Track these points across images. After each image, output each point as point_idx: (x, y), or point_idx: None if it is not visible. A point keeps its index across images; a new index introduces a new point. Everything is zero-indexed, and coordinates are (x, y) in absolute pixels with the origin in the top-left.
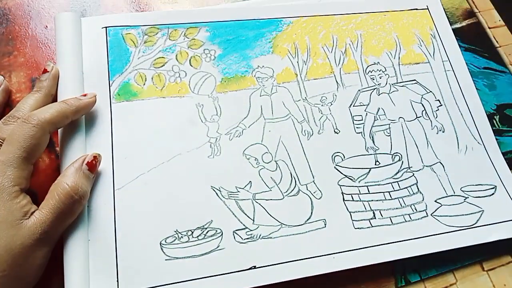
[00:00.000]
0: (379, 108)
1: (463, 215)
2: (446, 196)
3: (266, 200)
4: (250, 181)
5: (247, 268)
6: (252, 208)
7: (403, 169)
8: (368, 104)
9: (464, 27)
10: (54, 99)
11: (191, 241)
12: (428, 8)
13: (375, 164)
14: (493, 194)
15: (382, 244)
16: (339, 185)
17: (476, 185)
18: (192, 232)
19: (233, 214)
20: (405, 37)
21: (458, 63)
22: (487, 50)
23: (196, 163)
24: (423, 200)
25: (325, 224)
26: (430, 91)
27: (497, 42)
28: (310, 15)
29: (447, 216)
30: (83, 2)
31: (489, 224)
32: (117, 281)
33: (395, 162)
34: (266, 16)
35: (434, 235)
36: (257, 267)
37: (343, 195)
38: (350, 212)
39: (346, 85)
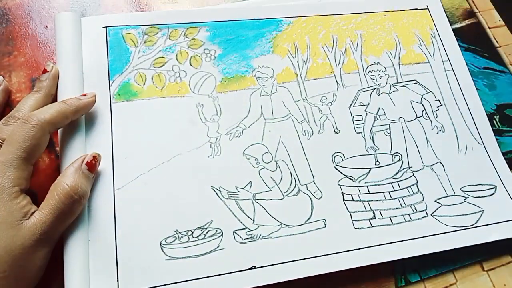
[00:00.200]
0: (379, 108)
1: (463, 215)
2: (446, 196)
3: (266, 200)
4: (250, 181)
5: (247, 268)
6: (252, 208)
7: (403, 169)
8: (368, 104)
9: (464, 27)
10: (54, 99)
11: (191, 241)
12: (428, 8)
13: (375, 164)
14: (493, 194)
15: (382, 244)
16: (339, 185)
17: (476, 185)
18: (192, 232)
19: (233, 214)
20: (405, 37)
21: (458, 63)
22: (487, 50)
23: (196, 163)
24: (423, 200)
25: (325, 224)
26: (430, 91)
27: (497, 42)
28: (310, 15)
29: (447, 216)
30: (83, 2)
31: (489, 224)
32: (117, 281)
33: (395, 162)
34: (266, 16)
35: (434, 235)
36: (257, 267)
37: (343, 195)
38: (350, 212)
39: (346, 85)
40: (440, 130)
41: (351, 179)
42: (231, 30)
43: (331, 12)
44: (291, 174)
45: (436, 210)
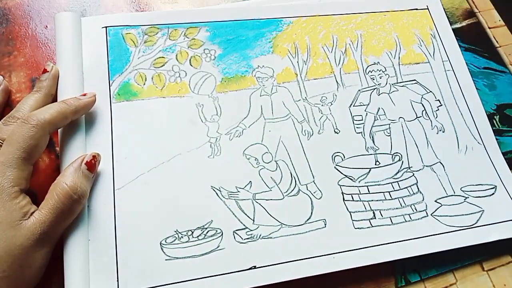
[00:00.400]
0: (379, 108)
1: (463, 215)
2: (446, 196)
3: (266, 200)
4: (250, 181)
5: (247, 268)
6: (252, 208)
7: (403, 169)
8: (368, 104)
9: (464, 27)
10: (54, 99)
11: (191, 241)
12: (428, 8)
13: (375, 164)
14: (493, 194)
15: (382, 244)
16: (339, 185)
17: (476, 185)
18: (192, 232)
19: (233, 214)
20: (405, 37)
21: (458, 63)
22: (487, 50)
23: (196, 163)
24: (423, 200)
25: (325, 224)
26: (430, 91)
27: (497, 42)
28: (310, 15)
29: (447, 216)
30: (83, 2)
31: (489, 224)
32: (117, 281)
33: (395, 162)
34: (266, 16)
35: (434, 235)
36: (257, 267)
37: (343, 195)
38: (350, 212)
39: (346, 85)
40: (440, 130)
41: (351, 179)
42: (231, 30)
43: (331, 12)
44: (291, 174)
45: (436, 210)
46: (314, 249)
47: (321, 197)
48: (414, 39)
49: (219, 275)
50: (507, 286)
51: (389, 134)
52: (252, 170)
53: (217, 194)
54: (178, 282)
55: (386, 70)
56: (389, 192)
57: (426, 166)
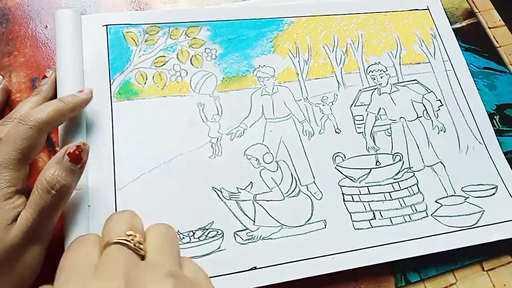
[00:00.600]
0: (380, 108)
1: (463, 215)
2: (447, 196)
3: (266, 201)
4: (251, 182)
5: (248, 269)
6: (253, 209)
7: (403, 169)
8: (369, 104)
9: (464, 27)
10: None
11: (193, 242)
12: (428, 8)
13: (376, 164)
14: (494, 194)
15: (382, 245)
16: (339, 185)
17: (477, 185)
18: (194, 233)
19: (234, 215)
20: (405, 37)
21: (459, 63)
22: (487, 50)
23: (197, 163)
24: (423, 200)
25: (325, 225)
26: (431, 91)
27: (497, 42)
28: (311, 15)
29: (447, 216)
30: (83, 2)
31: (490, 224)
32: None
33: (396, 162)
34: (267, 15)
35: (434, 235)
36: (258, 268)
37: (343, 196)
38: (350, 213)
39: (347, 85)
40: (441, 130)
41: (351, 179)
42: (232, 29)
43: (332, 12)
44: (291, 174)
45: (436, 210)
46: (314, 250)
47: (321, 197)
48: (415, 39)
49: (220, 276)
50: (507, 286)
51: (390, 134)
52: (253, 170)
53: (218, 195)
54: None
55: (387, 70)
56: (389, 192)
57: (427, 166)
